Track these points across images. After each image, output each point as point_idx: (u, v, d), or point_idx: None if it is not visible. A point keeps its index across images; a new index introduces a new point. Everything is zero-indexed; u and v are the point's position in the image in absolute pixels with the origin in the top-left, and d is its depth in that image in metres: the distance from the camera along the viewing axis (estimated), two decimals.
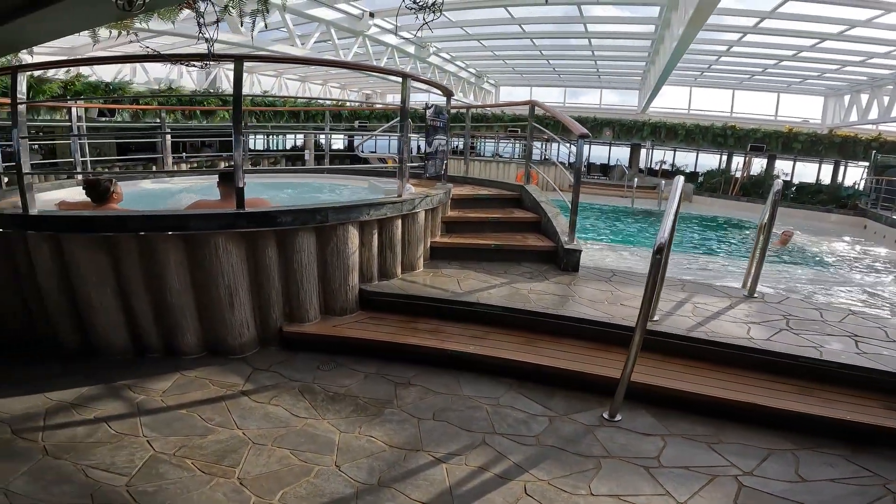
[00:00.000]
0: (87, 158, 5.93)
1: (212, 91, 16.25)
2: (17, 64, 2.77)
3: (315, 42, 13.24)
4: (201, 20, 2.62)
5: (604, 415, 2.66)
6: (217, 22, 2.79)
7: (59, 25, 3.08)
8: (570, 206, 4.35)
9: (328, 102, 19.62)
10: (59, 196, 4.41)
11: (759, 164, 20.81)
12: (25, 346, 3.30)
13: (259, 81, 20.18)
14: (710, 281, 4.63)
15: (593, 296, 3.78)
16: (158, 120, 11.96)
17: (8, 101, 2.73)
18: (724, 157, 21.71)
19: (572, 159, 4.35)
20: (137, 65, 14.98)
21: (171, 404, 2.64)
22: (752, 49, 15.36)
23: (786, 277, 8.81)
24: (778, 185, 3.69)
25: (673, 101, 24.41)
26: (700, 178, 21.45)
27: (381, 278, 3.94)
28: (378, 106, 25.14)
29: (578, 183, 4.28)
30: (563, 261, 4.40)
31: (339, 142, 27.17)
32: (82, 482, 2.05)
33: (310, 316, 3.49)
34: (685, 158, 23.29)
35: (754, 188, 19.23)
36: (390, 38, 15.09)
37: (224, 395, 2.75)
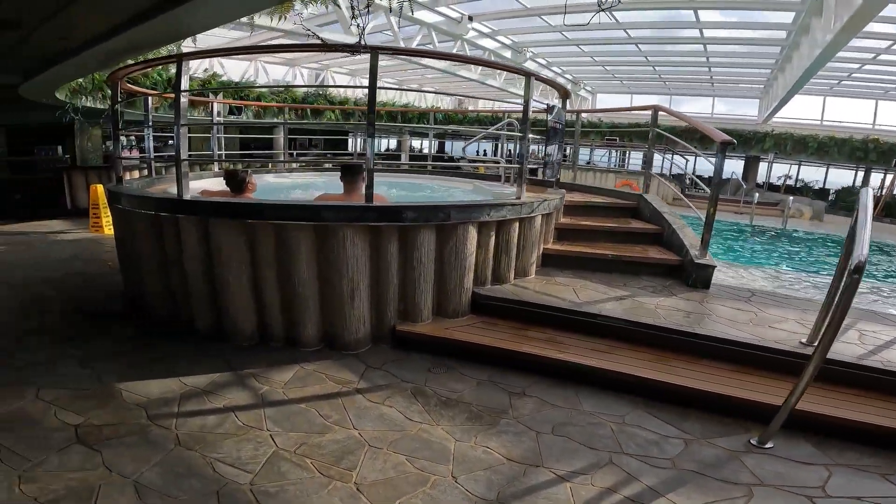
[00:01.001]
0: (223, 151, 6.43)
1: (320, 92, 17.14)
2: (180, 53, 2.95)
3: (417, 44, 13.49)
4: (355, 4, 2.66)
5: (751, 440, 2.45)
6: (368, 8, 2.80)
7: (220, 12, 3.23)
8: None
9: (444, 104, 19.80)
10: (200, 185, 4.81)
11: None
12: (168, 329, 3.55)
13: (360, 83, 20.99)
14: (868, 307, 4.02)
15: (733, 315, 3.46)
16: (280, 118, 12.86)
17: (167, 94, 3.01)
18: (862, 173, 19.15)
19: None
20: (260, 66, 16.25)
21: (292, 397, 2.70)
22: None
23: None
24: None
25: (800, 112, 22.03)
26: (831, 196, 19.09)
27: (493, 282, 3.83)
28: (472, 109, 25.24)
29: (716, 195, 3.95)
30: (692, 276, 4.07)
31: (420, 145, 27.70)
32: (209, 477, 2.07)
33: (423, 316, 3.46)
34: (811, 174, 20.88)
35: None
36: (487, 42, 15.04)
37: (340, 392, 2.78)
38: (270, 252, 3.17)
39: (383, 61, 17.10)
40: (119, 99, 4.02)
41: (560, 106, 4.32)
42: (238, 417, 2.49)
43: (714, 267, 4.04)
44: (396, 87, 21.35)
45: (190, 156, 3.30)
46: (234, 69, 14.62)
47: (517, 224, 3.84)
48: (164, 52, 4.72)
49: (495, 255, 3.77)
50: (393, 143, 28.08)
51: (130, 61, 4.19)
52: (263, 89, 12.98)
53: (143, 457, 2.15)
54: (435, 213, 3.25)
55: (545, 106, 4.28)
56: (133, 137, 11.16)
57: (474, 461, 2.24)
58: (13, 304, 3.97)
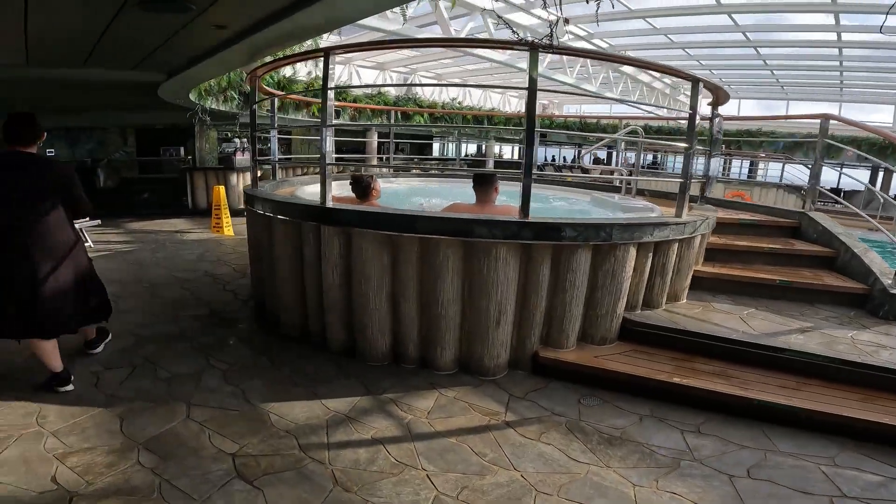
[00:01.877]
0: (333, 154, 6.43)
1: (409, 96, 17.26)
2: (327, 46, 2.79)
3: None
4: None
5: None
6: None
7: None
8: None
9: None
10: (315, 190, 4.74)
11: None
12: (297, 341, 3.48)
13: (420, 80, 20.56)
14: None
15: None
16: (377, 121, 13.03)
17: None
18: None
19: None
20: (353, 69, 16.63)
21: (440, 430, 2.51)
22: None
23: None
24: None
25: None
26: None
27: (643, 307, 3.44)
28: (558, 114, 24.45)
29: None
30: (884, 307, 3.50)
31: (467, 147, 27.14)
32: None
33: (568, 342, 3.14)
34: None
35: None
36: (583, 46, 14.36)
37: (489, 425, 2.57)
38: (413, 268, 2.96)
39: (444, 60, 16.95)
40: (256, 99, 4.01)
41: (719, 114, 3.78)
42: (389, 452, 2.31)
43: None
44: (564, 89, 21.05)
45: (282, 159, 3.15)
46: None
47: (676, 245, 3.40)
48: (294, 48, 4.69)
49: (649, 277, 3.36)
50: (471, 148, 27.86)
51: (268, 58, 4.18)
52: (360, 90, 13.19)
53: (305, 499, 1.98)
54: (596, 232, 2.89)
55: (702, 113, 3.76)
56: (245, 139, 11.74)
57: None
58: (155, 306, 4.08)
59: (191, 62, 4.65)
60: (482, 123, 17.71)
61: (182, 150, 10.08)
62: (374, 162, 13.11)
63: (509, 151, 27.32)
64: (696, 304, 3.66)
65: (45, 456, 2.11)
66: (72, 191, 2.73)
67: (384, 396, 2.79)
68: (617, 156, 7.31)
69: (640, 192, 5.51)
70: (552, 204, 5.67)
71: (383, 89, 17.00)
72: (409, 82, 19.32)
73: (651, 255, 3.27)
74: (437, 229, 2.81)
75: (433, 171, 6.68)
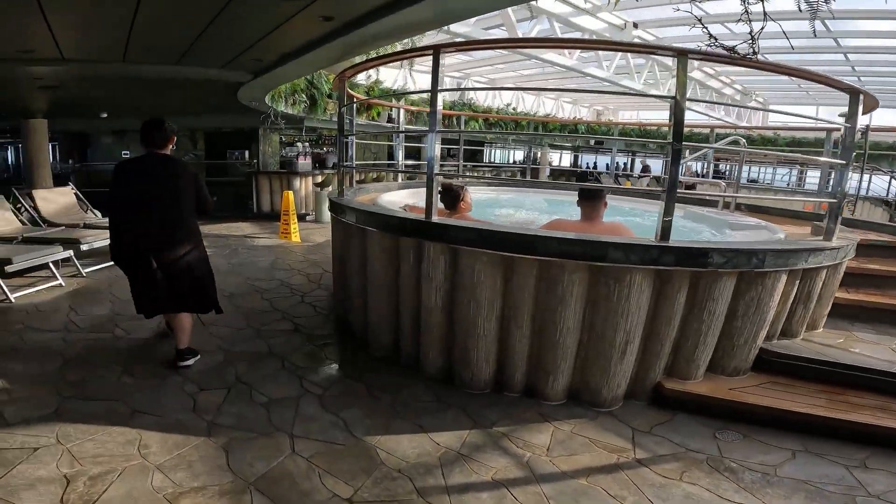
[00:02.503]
0: (403, 161, 6.24)
1: (464, 101, 17.05)
2: (437, 44, 2.55)
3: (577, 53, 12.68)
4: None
5: None
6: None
7: None
8: None
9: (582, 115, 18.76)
10: (394, 198, 4.52)
11: None
12: (386, 361, 3.26)
13: (480, 85, 20.45)
14: None
15: None
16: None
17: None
18: None
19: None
20: (408, 74, 16.54)
21: (565, 469, 2.26)
22: None
23: None
24: None
25: None
26: None
27: (781, 336, 3.07)
28: (614, 121, 23.73)
29: None
30: None
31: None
32: None
33: (697, 373, 2.82)
34: None
35: None
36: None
37: (619, 464, 2.32)
38: (530, 292, 2.66)
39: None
40: (345, 102, 3.82)
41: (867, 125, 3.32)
42: (516, 497, 2.06)
43: None
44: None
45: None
46: (386, 76, 14.96)
47: (824, 271, 2.97)
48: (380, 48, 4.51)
49: (792, 305, 2.98)
50: (518, 155, 27.32)
51: (357, 59, 4.00)
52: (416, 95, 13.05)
53: None
54: (747, 259, 2.52)
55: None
56: (307, 143, 11.80)
57: None
58: (238, 318, 3.95)
59: (281, 60, 4.50)
60: (538, 130, 17.28)
61: (247, 153, 10.17)
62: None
63: (556, 159, 26.67)
64: (836, 332, 3.31)
65: (154, 497, 1.93)
66: (200, 189, 3.08)
67: (494, 430, 2.55)
68: (708, 166, 6.76)
69: (738, 207, 5.01)
70: (636, 219, 5.26)
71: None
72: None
73: (798, 281, 2.87)
74: (564, 252, 2.50)
75: (501, 180, 6.33)
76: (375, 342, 3.35)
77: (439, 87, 2.77)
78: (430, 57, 2.72)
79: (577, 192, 3.33)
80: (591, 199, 3.23)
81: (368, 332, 3.40)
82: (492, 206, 5.30)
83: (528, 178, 7.59)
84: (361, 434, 2.46)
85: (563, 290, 2.57)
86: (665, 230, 2.47)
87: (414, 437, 2.46)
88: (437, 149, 2.84)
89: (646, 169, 19.08)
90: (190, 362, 3.09)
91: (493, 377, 2.91)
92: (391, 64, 15.15)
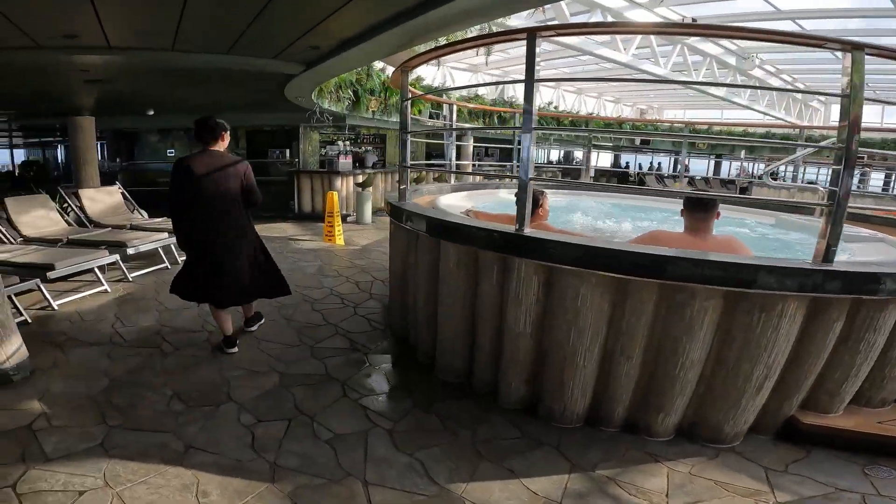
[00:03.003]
0: (454, 161, 5.85)
1: (505, 99, 16.60)
2: (533, 26, 2.13)
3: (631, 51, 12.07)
4: None
5: None
6: None
7: None
8: None
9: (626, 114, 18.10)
10: (450, 202, 4.12)
11: None
12: (456, 387, 2.90)
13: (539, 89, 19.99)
14: None
15: None
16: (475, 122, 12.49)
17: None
18: None
19: None
20: (447, 71, 16.15)
21: None
22: None
23: None
24: None
25: None
26: None
27: None
28: (658, 119, 22.85)
29: None
30: None
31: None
32: None
33: (840, 407, 2.42)
34: None
35: None
36: (709, 47, 12.95)
37: None
38: (646, 320, 2.23)
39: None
40: (407, 97, 3.43)
41: None
42: None
43: None
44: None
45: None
46: (426, 73, 14.62)
47: None
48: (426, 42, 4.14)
49: None
50: (553, 154, 26.61)
51: (418, 48, 3.64)
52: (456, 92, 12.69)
53: None
54: None
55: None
56: (348, 143, 11.56)
57: None
58: (289, 333, 3.64)
59: (340, 47, 4.16)
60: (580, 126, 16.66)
61: (287, 152, 9.97)
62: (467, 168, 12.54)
63: (594, 158, 25.90)
64: None
65: None
66: (252, 183, 3.23)
67: (597, 474, 2.17)
68: (796, 170, 6.13)
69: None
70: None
71: (480, 94, 16.40)
72: (499, 88, 18.68)
73: None
74: (697, 275, 2.06)
75: (581, 184, 5.82)
76: (445, 366, 2.97)
77: (535, 78, 2.36)
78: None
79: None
80: (701, 210, 2.76)
81: (436, 355, 3.03)
82: (571, 211, 4.85)
83: (582, 179, 7.06)
84: (444, 481, 2.09)
85: (692, 318, 2.13)
86: (830, 250, 2.00)
87: (506, 483, 2.10)
88: (532, 151, 2.43)
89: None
90: (255, 328, 3.62)
91: (587, 411, 2.51)
92: (431, 61, 14.83)
